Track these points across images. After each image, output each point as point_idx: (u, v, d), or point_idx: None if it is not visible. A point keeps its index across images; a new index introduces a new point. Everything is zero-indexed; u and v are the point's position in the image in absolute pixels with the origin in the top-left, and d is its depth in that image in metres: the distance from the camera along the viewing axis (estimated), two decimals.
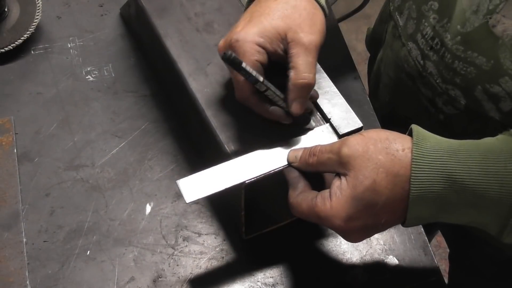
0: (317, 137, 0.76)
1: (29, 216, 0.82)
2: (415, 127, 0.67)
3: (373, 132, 0.68)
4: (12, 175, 0.84)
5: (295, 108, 0.73)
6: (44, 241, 0.80)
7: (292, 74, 0.72)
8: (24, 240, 0.79)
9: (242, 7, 0.88)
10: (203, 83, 0.80)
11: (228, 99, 0.79)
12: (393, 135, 0.67)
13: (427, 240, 0.83)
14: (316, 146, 0.70)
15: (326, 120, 0.77)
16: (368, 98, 0.96)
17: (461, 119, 0.83)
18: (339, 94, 0.79)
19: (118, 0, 1.03)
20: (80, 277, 0.78)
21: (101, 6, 1.03)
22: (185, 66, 0.82)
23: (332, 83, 0.80)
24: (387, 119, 0.96)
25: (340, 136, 0.76)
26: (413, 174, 0.64)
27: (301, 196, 0.70)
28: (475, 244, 0.98)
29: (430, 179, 0.64)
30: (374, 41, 1.05)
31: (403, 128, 0.71)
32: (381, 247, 0.81)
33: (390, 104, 0.97)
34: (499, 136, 0.66)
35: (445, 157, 0.64)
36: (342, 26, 1.06)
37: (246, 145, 0.75)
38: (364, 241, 0.81)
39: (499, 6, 0.72)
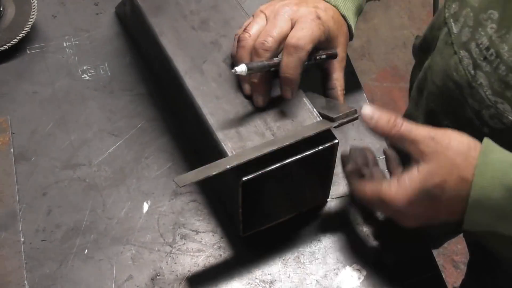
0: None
1: (26, 216, 0.82)
2: (486, 139, 0.70)
3: (458, 134, 0.70)
4: (9, 174, 0.84)
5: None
6: (42, 241, 0.80)
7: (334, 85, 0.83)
8: (22, 239, 0.79)
9: (238, 5, 0.89)
10: (199, 80, 0.80)
11: (225, 96, 0.79)
12: (473, 142, 0.70)
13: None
14: (398, 117, 0.72)
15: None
16: (365, 94, 0.96)
17: (506, 135, 0.81)
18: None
19: None
20: (78, 276, 0.78)
21: (96, 5, 1.03)
22: (181, 64, 0.82)
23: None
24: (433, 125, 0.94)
25: (332, 119, 0.76)
26: (475, 179, 0.67)
27: (363, 181, 0.74)
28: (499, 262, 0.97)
29: (490, 186, 0.66)
30: (423, 48, 1.02)
31: None
32: (378, 243, 0.81)
33: (433, 113, 0.94)
34: None
35: (508, 169, 0.66)
36: None
37: (243, 143, 0.75)
38: (362, 237, 0.81)
39: None
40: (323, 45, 0.80)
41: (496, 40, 0.78)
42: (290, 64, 0.76)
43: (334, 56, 0.82)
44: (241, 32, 0.79)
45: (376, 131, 0.72)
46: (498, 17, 0.78)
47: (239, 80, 0.79)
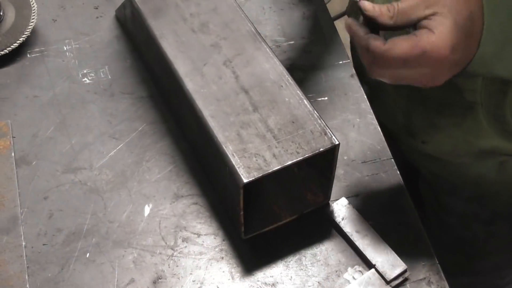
0: (364, 285, 0.78)
1: (28, 220, 0.82)
2: None
3: None
4: (10, 179, 0.84)
5: None
6: (44, 244, 0.80)
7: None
8: (24, 243, 0.79)
9: (237, 7, 0.89)
10: (199, 83, 0.80)
11: (225, 99, 0.79)
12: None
13: (426, 236, 0.83)
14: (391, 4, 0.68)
15: (371, 266, 0.79)
16: (366, 96, 0.96)
17: None
18: (380, 238, 0.81)
19: (113, 2, 1.03)
20: (80, 279, 0.78)
21: (96, 8, 1.03)
22: (181, 66, 0.82)
23: (373, 230, 0.82)
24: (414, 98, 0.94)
25: (387, 282, 0.77)
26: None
27: (394, 40, 0.68)
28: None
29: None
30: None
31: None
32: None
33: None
34: None
35: None
36: (338, 24, 1.06)
37: (244, 145, 0.75)
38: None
39: None
40: None
41: None
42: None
43: None
44: None
45: (378, 18, 0.68)
46: None
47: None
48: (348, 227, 0.81)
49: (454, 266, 1.01)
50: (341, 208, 0.82)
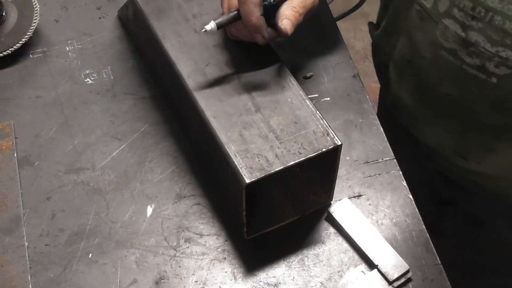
0: (366, 285, 0.78)
1: (30, 220, 0.82)
2: None
3: None
4: (12, 179, 0.84)
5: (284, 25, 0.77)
6: (46, 245, 0.80)
7: None
8: (26, 244, 0.80)
9: None
10: (202, 84, 0.80)
11: (228, 99, 0.79)
12: None
13: (428, 237, 0.82)
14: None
15: (373, 266, 0.79)
16: (368, 96, 0.96)
17: None
18: (383, 238, 0.81)
19: (115, 2, 1.03)
20: (83, 280, 0.78)
21: (99, 9, 1.03)
22: (183, 67, 0.82)
23: (376, 230, 0.82)
24: (428, 98, 0.95)
25: (390, 282, 0.78)
26: None
27: None
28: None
29: None
30: (388, 32, 1.03)
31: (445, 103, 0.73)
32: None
33: (427, 85, 0.96)
34: None
35: None
36: (340, 24, 1.06)
37: (246, 146, 0.75)
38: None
39: None
40: None
41: None
42: (247, 11, 0.77)
43: None
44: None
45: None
46: None
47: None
48: (350, 228, 0.81)
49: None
50: (343, 209, 0.82)
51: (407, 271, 0.78)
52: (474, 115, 0.90)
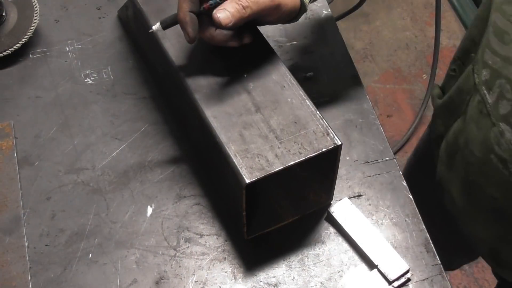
0: (366, 285, 0.78)
1: (30, 220, 0.82)
2: None
3: None
4: (12, 179, 0.84)
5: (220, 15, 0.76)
6: (46, 245, 0.80)
7: None
8: (26, 244, 0.80)
9: None
10: (202, 84, 0.80)
11: (228, 99, 0.79)
12: None
13: (428, 237, 0.83)
14: None
15: (373, 266, 0.79)
16: (367, 96, 0.96)
17: None
18: (383, 238, 0.81)
19: (115, 2, 1.03)
20: (83, 280, 0.78)
21: (99, 9, 1.03)
22: (183, 67, 0.82)
23: (376, 230, 0.82)
24: (473, 194, 0.88)
25: (390, 282, 0.78)
26: None
27: None
28: None
29: None
30: (449, 109, 0.93)
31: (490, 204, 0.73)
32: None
33: (473, 183, 0.87)
34: None
35: None
36: (340, 24, 1.06)
37: (246, 146, 0.74)
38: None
39: None
40: None
41: None
42: (178, 6, 0.77)
43: None
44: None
45: (237, 23, 0.75)
46: None
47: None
48: (350, 227, 0.81)
49: None
50: (343, 208, 0.82)
51: (407, 271, 0.78)
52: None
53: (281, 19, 0.81)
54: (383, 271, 0.78)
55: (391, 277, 0.78)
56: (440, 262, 0.81)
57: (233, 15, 0.75)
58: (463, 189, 0.88)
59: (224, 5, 0.76)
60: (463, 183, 0.88)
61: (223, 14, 0.75)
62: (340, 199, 0.84)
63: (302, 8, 0.82)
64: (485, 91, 0.79)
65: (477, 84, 0.80)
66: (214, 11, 0.75)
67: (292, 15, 0.82)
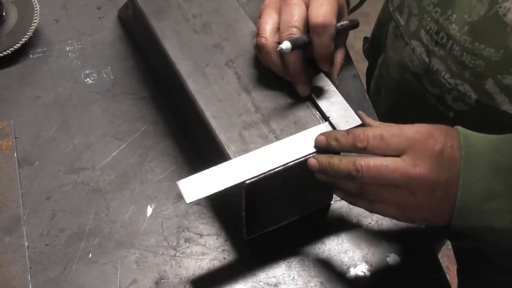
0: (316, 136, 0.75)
1: (30, 220, 0.82)
2: (460, 129, 0.67)
3: (425, 126, 0.68)
4: (12, 179, 0.84)
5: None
6: (46, 245, 0.80)
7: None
8: (26, 244, 0.80)
9: (240, 7, 0.89)
10: (201, 84, 0.80)
11: (228, 99, 0.79)
12: (437, 129, 0.67)
13: (426, 230, 0.82)
14: (358, 130, 0.69)
15: (325, 118, 0.77)
16: (368, 96, 0.96)
17: (472, 116, 0.81)
18: (337, 92, 0.79)
19: (115, 2, 1.03)
20: (83, 280, 0.78)
21: (99, 8, 1.03)
22: (183, 67, 0.82)
23: (329, 81, 0.80)
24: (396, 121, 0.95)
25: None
26: (462, 173, 0.65)
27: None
28: (482, 267, 0.96)
29: (476, 167, 0.65)
30: (373, 47, 1.03)
31: None
32: (383, 245, 0.81)
33: (393, 107, 0.95)
34: None
35: (488, 149, 0.65)
36: None
37: (246, 146, 0.75)
38: (365, 239, 0.81)
39: None
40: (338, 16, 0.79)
41: (444, 22, 0.77)
42: (324, 44, 0.75)
43: (356, 25, 0.80)
44: (257, 39, 0.78)
45: (342, 150, 0.70)
46: (439, 0, 0.78)
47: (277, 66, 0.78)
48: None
49: None
50: None
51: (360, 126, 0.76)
52: None
53: None
54: (334, 123, 0.76)
55: (341, 129, 0.75)
56: (440, 262, 0.81)
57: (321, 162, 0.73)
58: (388, 116, 0.93)
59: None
60: (386, 112, 0.95)
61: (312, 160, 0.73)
62: (340, 199, 0.84)
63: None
64: (398, 16, 0.87)
65: (391, 12, 0.89)
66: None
67: None
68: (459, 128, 0.67)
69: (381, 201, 0.69)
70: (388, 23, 0.93)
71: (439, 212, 0.67)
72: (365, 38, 1.08)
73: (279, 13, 0.78)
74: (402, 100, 0.92)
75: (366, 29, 1.23)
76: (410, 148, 0.66)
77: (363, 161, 0.67)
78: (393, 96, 0.94)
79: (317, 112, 0.78)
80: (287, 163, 0.73)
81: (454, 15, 0.76)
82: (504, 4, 0.71)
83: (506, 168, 0.64)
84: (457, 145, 0.65)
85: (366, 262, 0.80)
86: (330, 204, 0.84)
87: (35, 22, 0.97)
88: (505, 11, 0.71)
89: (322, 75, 0.80)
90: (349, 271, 0.79)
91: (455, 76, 0.79)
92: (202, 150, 0.85)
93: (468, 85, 0.78)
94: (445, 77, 0.80)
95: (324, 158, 0.71)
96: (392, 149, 0.66)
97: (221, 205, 0.83)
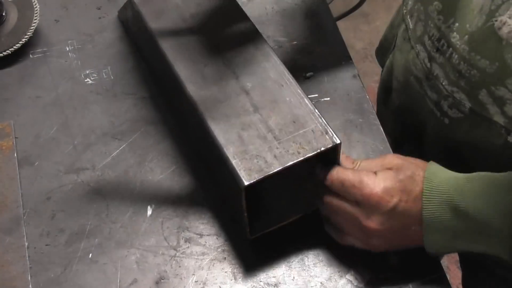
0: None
1: (30, 220, 0.82)
2: (430, 163, 0.74)
3: (387, 178, 0.74)
4: (12, 179, 0.84)
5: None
6: (46, 245, 0.80)
7: None
8: (26, 244, 0.80)
9: (239, 7, 0.88)
10: (200, 85, 0.80)
11: (226, 100, 0.79)
12: (408, 162, 0.75)
13: None
14: (332, 168, 0.76)
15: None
16: (368, 96, 0.96)
17: (465, 124, 0.82)
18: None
19: (115, 2, 1.03)
20: (83, 280, 0.78)
21: (99, 9, 1.03)
22: (182, 68, 0.82)
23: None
24: (399, 126, 0.96)
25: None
26: (424, 206, 0.72)
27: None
28: (487, 267, 0.96)
29: (438, 210, 0.71)
30: (384, 47, 1.04)
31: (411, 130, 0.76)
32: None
33: (399, 109, 0.96)
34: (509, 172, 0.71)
35: (451, 191, 0.70)
36: (340, 24, 1.06)
37: (245, 147, 0.74)
38: None
39: (501, 6, 0.71)
40: None
41: (446, 30, 0.79)
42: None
43: None
44: None
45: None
46: (442, 8, 0.79)
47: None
48: None
49: None
50: None
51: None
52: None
53: None
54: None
55: None
56: (440, 263, 0.81)
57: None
58: (396, 120, 0.98)
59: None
60: (394, 114, 0.98)
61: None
62: None
63: None
64: (408, 19, 0.88)
65: (404, 14, 0.90)
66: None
67: None
68: (426, 173, 0.73)
69: (348, 233, 0.77)
70: (400, 25, 0.94)
71: (408, 243, 0.76)
72: (381, 41, 1.10)
73: None
74: (406, 102, 0.93)
75: (366, 29, 1.23)
76: (364, 202, 0.73)
77: (329, 197, 0.76)
78: (399, 97, 0.95)
79: (316, 111, 0.78)
80: (286, 164, 0.73)
81: (456, 24, 0.77)
82: (500, 18, 0.72)
83: (463, 210, 0.70)
84: (416, 195, 0.72)
85: (366, 262, 0.80)
86: None
87: (35, 22, 0.97)
88: (501, 24, 0.72)
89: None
90: (350, 271, 0.79)
91: (452, 84, 0.80)
92: (202, 151, 0.85)
93: (463, 94, 0.80)
94: (443, 83, 0.82)
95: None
96: (351, 197, 0.74)
97: (221, 205, 0.83)
